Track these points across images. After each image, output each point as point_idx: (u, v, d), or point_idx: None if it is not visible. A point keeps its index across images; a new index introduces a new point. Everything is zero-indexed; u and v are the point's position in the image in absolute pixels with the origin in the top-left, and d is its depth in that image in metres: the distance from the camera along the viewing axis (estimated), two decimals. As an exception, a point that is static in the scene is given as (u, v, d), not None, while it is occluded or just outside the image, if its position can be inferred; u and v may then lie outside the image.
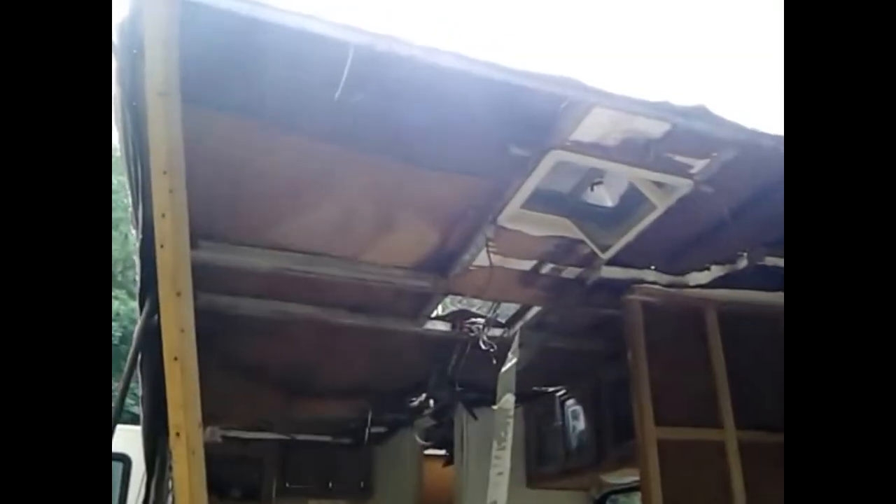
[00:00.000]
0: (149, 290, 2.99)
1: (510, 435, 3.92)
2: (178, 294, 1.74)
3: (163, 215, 1.75)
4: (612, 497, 6.42)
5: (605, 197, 3.23)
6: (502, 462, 3.91)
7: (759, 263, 3.65)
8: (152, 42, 1.78)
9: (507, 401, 3.95)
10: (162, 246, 1.74)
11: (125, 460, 4.94)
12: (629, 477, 5.04)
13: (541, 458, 5.86)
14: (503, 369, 4.07)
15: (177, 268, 1.73)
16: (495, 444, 3.98)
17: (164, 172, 1.73)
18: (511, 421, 3.95)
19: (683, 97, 2.62)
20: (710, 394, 3.78)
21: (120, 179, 2.48)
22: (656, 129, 2.67)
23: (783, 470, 3.86)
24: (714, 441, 3.69)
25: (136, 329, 3.19)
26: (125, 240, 10.52)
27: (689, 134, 2.65)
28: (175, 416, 1.70)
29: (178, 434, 1.69)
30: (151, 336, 2.88)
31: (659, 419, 3.64)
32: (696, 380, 3.80)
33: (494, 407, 4.06)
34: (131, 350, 3.10)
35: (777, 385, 3.76)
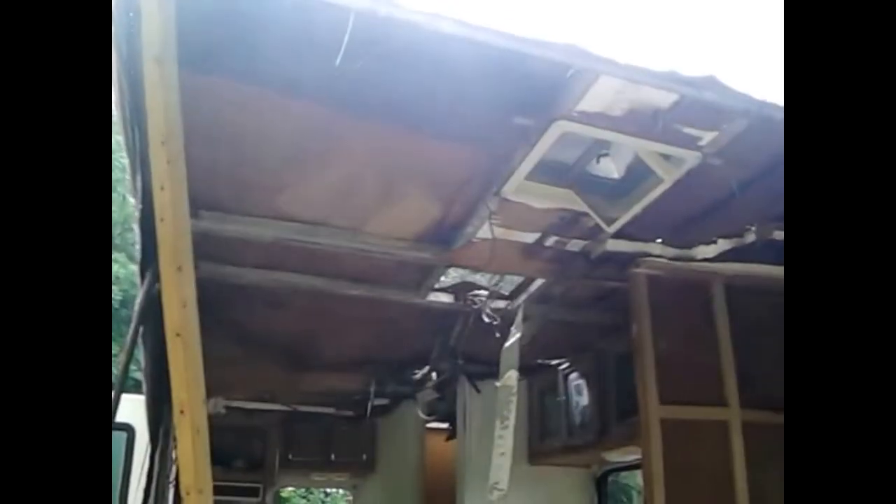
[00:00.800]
0: (149, 260, 3.02)
1: (513, 414, 3.95)
2: (180, 269, 1.76)
3: (161, 187, 1.76)
4: (614, 474, 6.50)
5: (611, 168, 3.23)
6: (505, 442, 3.94)
7: (768, 238, 3.66)
8: (148, 5, 1.78)
9: (510, 377, 3.98)
10: (162, 219, 1.76)
11: (129, 430, 5.00)
12: (631, 455, 5.08)
13: (543, 433, 5.86)
14: (506, 345, 4.10)
15: (177, 242, 1.75)
16: (498, 424, 4.01)
17: (163, 143, 1.74)
18: (514, 399, 3.97)
19: (693, 66, 2.63)
20: (715, 371, 3.78)
21: (118, 139, 2.48)
22: (664, 99, 2.67)
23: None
24: (718, 420, 3.71)
25: (138, 300, 3.23)
26: (123, 201, 10.54)
27: (697, 104, 2.63)
28: (179, 394, 1.73)
29: (182, 412, 1.72)
30: (153, 307, 2.92)
31: (663, 397, 3.66)
32: (702, 356, 3.81)
33: (497, 384, 4.08)
34: (133, 322, 3.14)
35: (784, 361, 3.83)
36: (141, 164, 2.53)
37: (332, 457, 7.87)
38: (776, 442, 3.70)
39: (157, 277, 2.36)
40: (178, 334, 1.78)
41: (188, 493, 1.80)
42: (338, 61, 2.05)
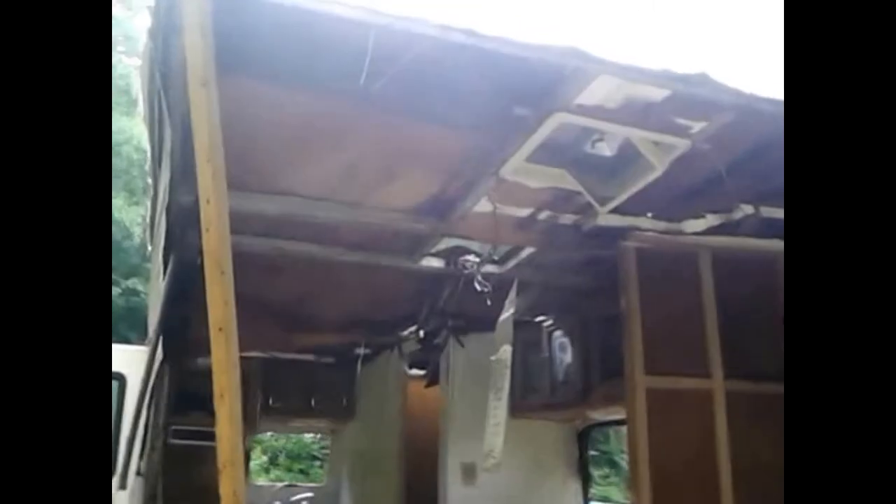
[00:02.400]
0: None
1: (507, 385, 4.26)
2: (223, 272, 2.04)
3: (207, 201, 2.02)
4: (596, 429, 6.92)
5: (604, 151, 3.51)
6: (499, 412, 4.27)
7: (754, 214, 3.99)
8: (191, 30, 2.01)
9: (505, 351, 4.29)
10: (207, 230, 2.03)
11: (121, 379, 5.32)
12: (614, 414, 5.47)
13: (526, 388, 6.08)
14: (500, 318, 4.39)
15: (221, 249, 2.03)
16: (492, 395, 4.32)
17: (208, 160, 1.99)
18: (508, 372, 4.28)
19: (685, 62, 2.89)
20: (700, 342, 4.10)
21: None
22: (657, 93, 2.94)
23: (768, 419, 4.31)
24: (702, 389, 4.04)
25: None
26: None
27: (689, 98, 2.90)
28: (219, 380, 2.03)
29: (222, 396, 2.03)
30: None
31: (649, 367, 3.98)
32: (688, 327, 4.13)
33: (492, 358, 4.38)
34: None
35: (768, 332, 4.19)
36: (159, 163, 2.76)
37: (312, 403, 8.27)
38: (758, 411, 4.14)
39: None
40: (220, 329, 2.08)
41: (224, 467, 2.13)
42: (362, 81, 2.29)
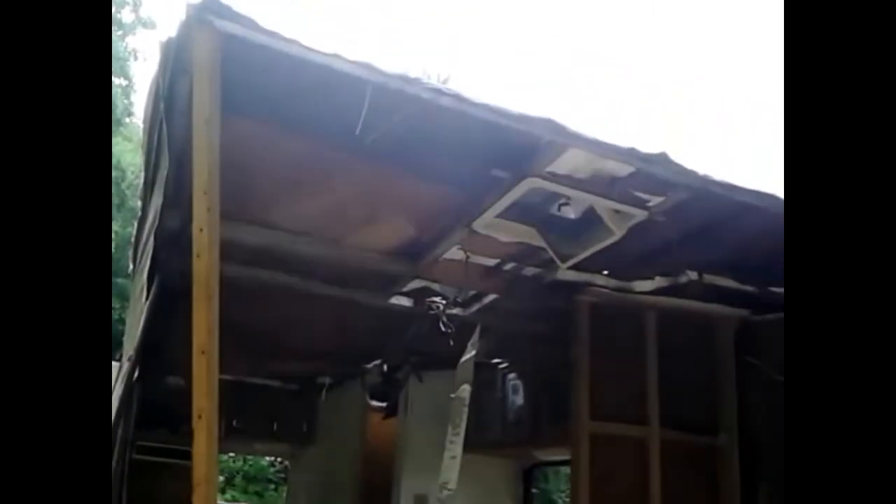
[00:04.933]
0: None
1: (464, 422, 4.33)
2: (209, 297, 2.07)
3: (201, 230, 2.06)
4: (540, 468, 6.96)
5: (569, 212, 3.62)
6: (455, 447, 4.33)
7: (698, 280, 4.13)
8: (200, 73, 2.07)
9: (464, 390, 4.36)
10: (198, 256, 2.06)
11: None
12: (559, 455, 5.53)
13: (478, 425, 6.06)
14: (462, 360, 4.47)
15: (209, 276, 2.06)
16: (450, 430, 4.38)
17: (205, 192, 2.04)
18: (466, 409, 4.35)
19: (648, 143, 3.02)
20: (641, 393, 4.25)
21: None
22: (622, 169, 3.07)
23: (698, 468, 4.43)
24: (639, 437, 4.19)
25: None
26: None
27: (650, 176, 3.05)
28: (199, 402, 2.05)
29: (199, 416, 2.04)
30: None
31: (593, 413, 4.12)
32: (631, 378, 4.27)
33: (452, 395, 4.44)
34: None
35: (702, 388, 4.33)
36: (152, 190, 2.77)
37: (275, 427, 8.18)
38: (689, 460, 4.26)
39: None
40: (203, 352, 2.10)
41: (199, 485, 2.14)
42: (357, 130, 2.35)
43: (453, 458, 4.29)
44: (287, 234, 3.70)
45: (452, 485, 4.25)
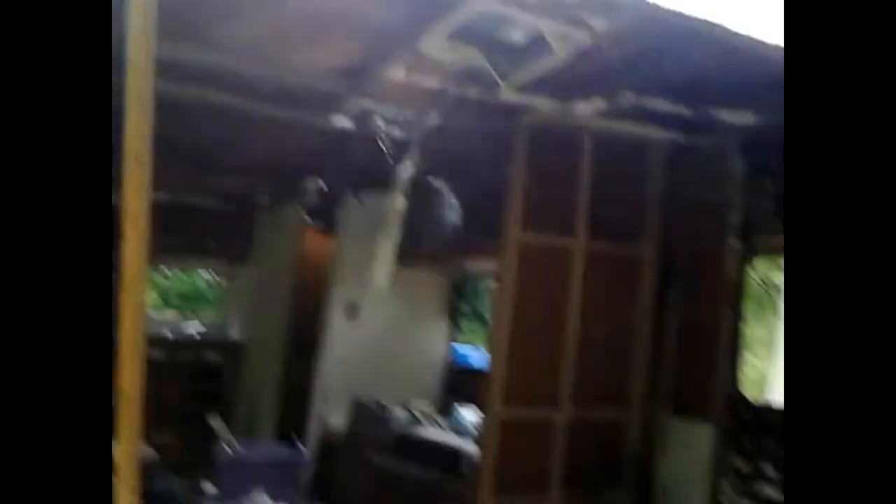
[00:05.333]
0: None
1: (395, 229, 4.53)
2: (142, 103, 2.07)
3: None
4: (469, 283, 7.39)
5: (516, 35, 3.62)
6: (385, 251, 4.59)
7: (637, 102, 4.25)
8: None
9: (399, 201, 4.58)
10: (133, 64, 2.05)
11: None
12: (487, 266, 5.85)
13: (411, 238, 6.33)
14: (399, 173, 4.58)
15: (142, 84, 2.05)
16: (381, 236, 4.59)
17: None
18: (398, 219, 4.57)
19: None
20: (571, 207, 4.55)
21: None
22: (570, -9, 3.06)
23: (620, 277, 4.82)
24: (566, 247, 4.54)
25: None
26: None
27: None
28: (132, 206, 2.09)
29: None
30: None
31: (525, 225, 4.40)
32: (563, 196, 4.55)
33: (386, 206, 4.66)
34: None
35: (633, 206, 4.73)
36: None
37: (211, 244, 8.30)
38: (611, 266, 4.65)
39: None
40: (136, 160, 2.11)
41: (130, 284, 2.15)
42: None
43: (384, 256, 4.54)
44: (229, 53, 3.59)
45: (383, 279, 4.53)
